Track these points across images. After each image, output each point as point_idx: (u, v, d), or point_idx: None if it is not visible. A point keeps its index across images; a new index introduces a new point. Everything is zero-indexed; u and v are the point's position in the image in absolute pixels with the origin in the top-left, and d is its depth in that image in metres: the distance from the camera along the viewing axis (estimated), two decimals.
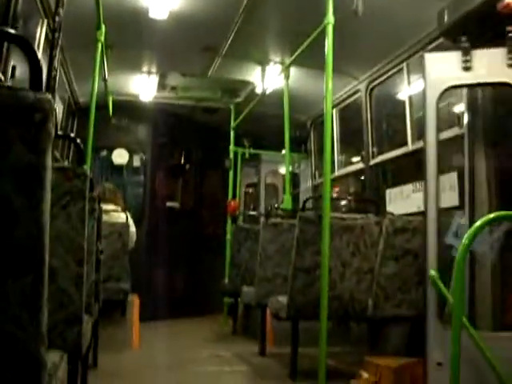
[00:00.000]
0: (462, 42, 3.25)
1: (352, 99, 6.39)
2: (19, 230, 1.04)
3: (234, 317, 6.91)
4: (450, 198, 4.36)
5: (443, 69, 3.29)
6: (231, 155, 7.81)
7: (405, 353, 4.23)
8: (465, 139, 3.87)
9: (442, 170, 4.81)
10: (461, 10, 3.38)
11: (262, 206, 9.44)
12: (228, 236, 7.49)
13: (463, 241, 2.70)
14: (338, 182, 6.80)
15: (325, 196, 3.72)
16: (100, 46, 4.56)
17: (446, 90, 3.31)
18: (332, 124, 6.00)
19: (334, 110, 6.61)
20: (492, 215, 2.83)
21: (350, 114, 6.73)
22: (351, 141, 6.96)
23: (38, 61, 1.06)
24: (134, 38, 5.38)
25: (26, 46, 1.06)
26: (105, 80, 5.66)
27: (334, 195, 6.75)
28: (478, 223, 2.74)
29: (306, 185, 8.59)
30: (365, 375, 3.71)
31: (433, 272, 3.11)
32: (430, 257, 3.15)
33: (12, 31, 1.07)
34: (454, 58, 3.27)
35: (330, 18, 3.74)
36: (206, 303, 8.31)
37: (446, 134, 4.48)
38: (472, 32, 3.37)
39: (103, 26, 4.48)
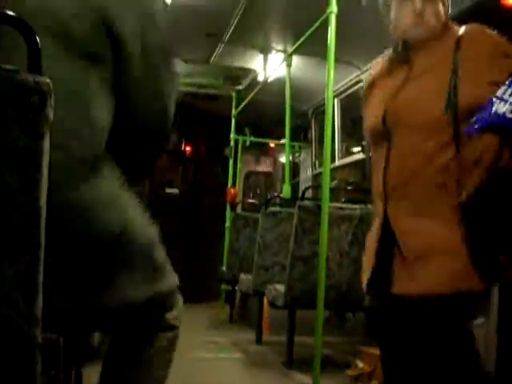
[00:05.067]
0: None
1: (354, 89, 6.36)
2: (16, 212, 1.04)
3: (231, 304, 6.92)
4: None
5: None
6: (232, 143, 7.77)
7: None
8: None
9: None
10: (464, 0, 3.36)
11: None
12: (227, 223, 7.49)
13: None
14: (339, 172, 6.78)
15: (324, 186, 3.72)
16: None
17: None
18: (333, 114, 5.98)
19: (336, 100, 6.59)
20: None
21: (352, 104, 6.71)
22: (353, 131, 6.94)
23: (36, 43, 1.05)
24: None
25: (23, 28, 1.05)
26: None
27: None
28: None
29: (305, 174, 8.58)
30: (360, 365, 3.73)
31: None
32: None
33: (10, 13, 1.06)
34: None
35: (334, 8, 3.72)
36: (203, 290, 8.32)
37: None
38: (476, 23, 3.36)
39: None
